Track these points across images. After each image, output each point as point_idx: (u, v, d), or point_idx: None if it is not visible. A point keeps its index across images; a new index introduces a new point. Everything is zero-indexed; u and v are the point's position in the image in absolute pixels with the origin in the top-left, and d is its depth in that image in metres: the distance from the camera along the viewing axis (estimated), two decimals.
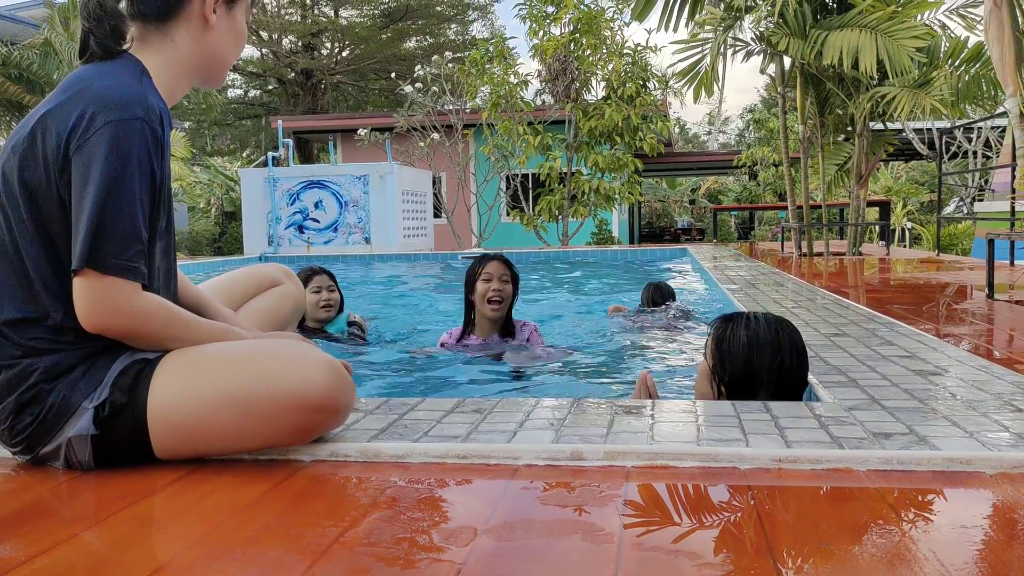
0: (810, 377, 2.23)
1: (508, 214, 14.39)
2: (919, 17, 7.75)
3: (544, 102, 13.31)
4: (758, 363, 2.05)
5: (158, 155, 1.55)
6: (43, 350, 1.54)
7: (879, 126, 8.74)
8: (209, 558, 1.17)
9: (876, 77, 7.47)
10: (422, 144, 13.16)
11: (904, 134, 14.83)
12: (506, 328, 3.59)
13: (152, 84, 1.63)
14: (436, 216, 14.47)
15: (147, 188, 1.53)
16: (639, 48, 12.63)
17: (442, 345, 3.65)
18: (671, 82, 12.01)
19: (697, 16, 8.32)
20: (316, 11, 27.28)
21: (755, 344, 2.06)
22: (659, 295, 4.91)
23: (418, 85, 13.40)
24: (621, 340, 4.33)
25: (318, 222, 11.66)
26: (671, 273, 8.31)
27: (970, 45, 7.82)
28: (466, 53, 17.52)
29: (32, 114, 1.57)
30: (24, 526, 1.31)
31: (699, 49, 8.42)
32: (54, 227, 1.53)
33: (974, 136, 14.41)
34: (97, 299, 1.49)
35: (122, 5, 1.66)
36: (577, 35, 12.36)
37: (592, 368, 3.63)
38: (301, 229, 11.71)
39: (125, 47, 1.66)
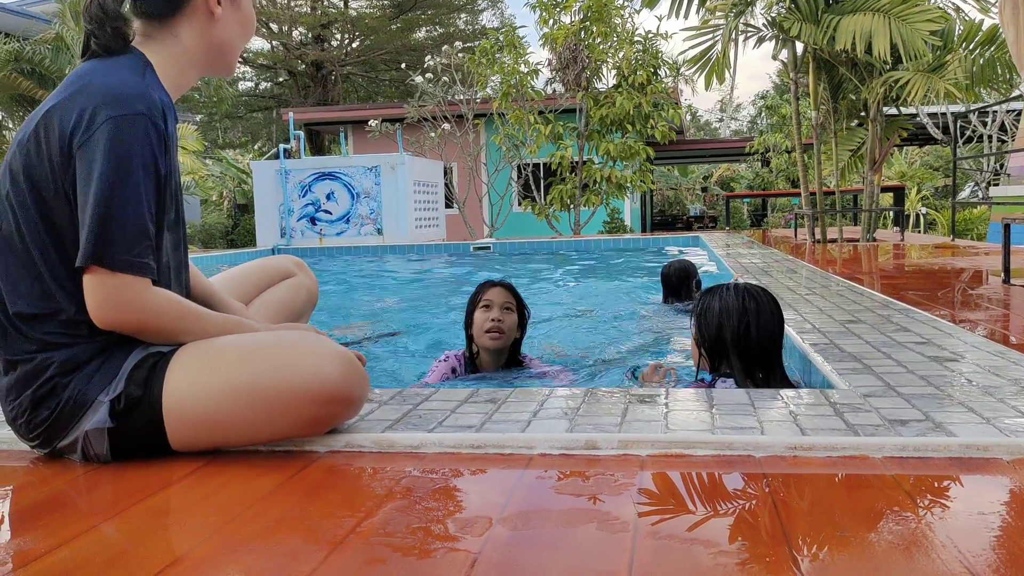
0: (825, 364, 2.23)
1: (520, 204, 14.38)
2: (932, 0, 7.67)
3: (555, 91, 13.27)
4: (727, 329, 2.28)
5: (161, 149, 1.54)
6: (58, 344, 1.54)
7: (893, 111, 8.67)
8: (226, 549, 1.17)
9: (889, 61, 7.39)
10: (433, 134, 13.14)
11: (918, 119, 14.68)
12: (512, 362, 3.11)
13: (156, 78, 1.63)
14: (448, 206, 14.46)
15: (152, 183, 1.53)
16: (650, 35, 12.56)
17: (452, 371, 3.05)
18: (682, 69, 11.94)
19: (708, 2, 8.25)
20: (325, 2, 27.25)
21: (725, 311, 2.29)
22: (678, 280, 4.82)
23: (428, 75, 13.37)
24: (638, 331, 4.32)
25: (330, 213, 11.67)
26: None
27: (985, 28, 7.73)
28: (476, 43, 17.49)
29: (37, 111, 1.57)
30: (43, 518, 1.32)
31: (710, 35, 8.36)
32: (62, 223, 1.53)
33: (989, 120, 14.24)
34: (107, 296, 1.50)
35: (125, 5, 1.65)
36: (587, 23, 12.30)
37: (608, 359, 3.62)
38: (313, 221, 11.72)
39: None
